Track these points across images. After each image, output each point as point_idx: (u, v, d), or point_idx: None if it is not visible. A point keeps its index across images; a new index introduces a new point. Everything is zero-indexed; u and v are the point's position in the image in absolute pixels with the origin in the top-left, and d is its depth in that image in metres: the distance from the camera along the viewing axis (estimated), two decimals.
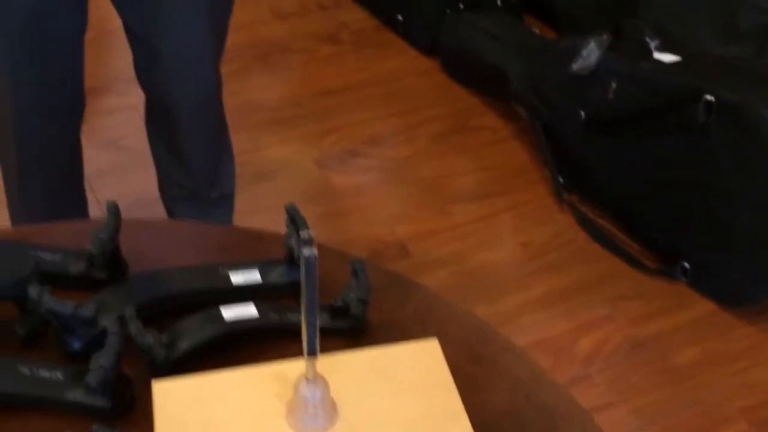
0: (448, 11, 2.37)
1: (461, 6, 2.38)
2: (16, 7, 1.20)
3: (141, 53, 1.39)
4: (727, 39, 1.92)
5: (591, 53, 1.83)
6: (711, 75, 1.67)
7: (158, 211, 1.64)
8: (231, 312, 0.80)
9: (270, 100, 2.25)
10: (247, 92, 2.25)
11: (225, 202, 1.59)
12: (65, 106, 1.39)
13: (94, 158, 1.79)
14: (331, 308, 0.82)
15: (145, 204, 1.75)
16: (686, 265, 1.76)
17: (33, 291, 0.74)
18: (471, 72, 2.27)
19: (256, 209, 1.83)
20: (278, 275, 0.86)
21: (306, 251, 0.61)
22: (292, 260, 0.86)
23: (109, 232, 0.82)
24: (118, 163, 1.96)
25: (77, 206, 1.56)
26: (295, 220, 0.83)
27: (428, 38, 2.39)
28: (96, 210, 1.71)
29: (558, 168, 1.96)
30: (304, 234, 0.62)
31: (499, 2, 2.42)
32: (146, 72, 1.42)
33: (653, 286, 1.79)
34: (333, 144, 2.11)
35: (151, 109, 1.53)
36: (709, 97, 1.61)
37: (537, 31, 2.32)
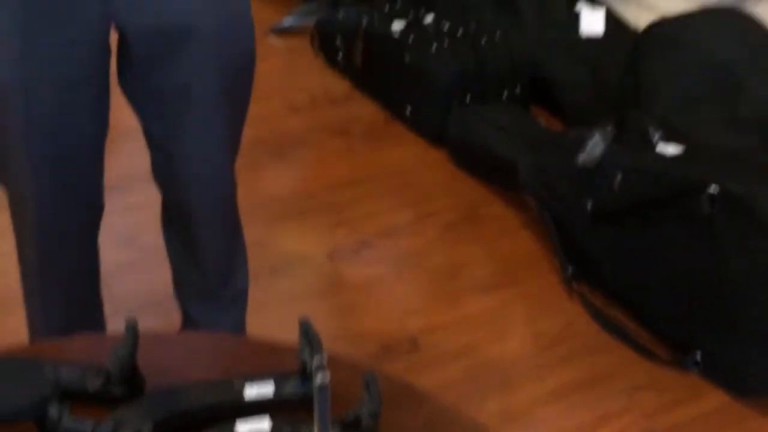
0: (455, 103, 2.43)
1: (468, 98, 2.44)
2: (40, 111, 1.25)
3: (158, 156, 1.43)
4: (729, 129, 1.95)
5: (596, 145, 1.87)
6: (715, 166, 1.71)
7: (172, 308, 1.67)
8: (245, 427, 0.82)
9: (283, 193, 2.30)
10: (260, 185, 2.29)
11: (239, 300, 1.61)
12: (85, 208, 1.42)
13: (109, 256, 1.82)
14: (343, 422, 0.83)
15: (159, 302, 1.77)
16: (698, 355, 1.76)
17: (53, 411, 0.76)
18: (479, 162, 2.31)
19: (269, 304, 1.86)
20: (292, 387, 0.87)
21: (318, 378, 0.63)
22: (305, 372, 0.87)
23: (127, 348, 0.85)
24: (133, 260, 2.00)
25: (93, 307, 1.58)
26: (308, 334, 0.85)
27: (437, 129, 2.44)
28: (110, 308, 1.73)
29: (567, 258, 1.98)
30: (316, 360, 0.64)
31: (505, 94, 2.47)
32: (163, 174, 1.46)
33: (667, 377, 1.79)
34: (345, 236, 2.14)
35: (167, 209, 1.56)
36: (713, 189, 1.64)
37: (543, 122, 2.37)
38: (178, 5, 1.23)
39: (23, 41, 1.19)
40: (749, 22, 2.11)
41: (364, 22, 2.67)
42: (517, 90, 2.50)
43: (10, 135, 1.28)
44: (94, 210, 1.45)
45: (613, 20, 2.66)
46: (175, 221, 1.54)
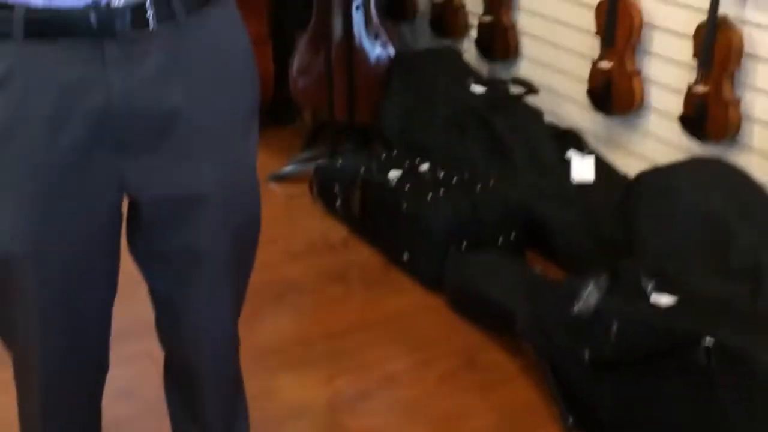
0: (451, 249, 2.48)
1: (464, 244, 2.49)
2: (50, 280, 1.28)
3: (163, 314, 1.45)
4: (720, 278, 2.00)
5: (591, 295, 1.91)
6: (709, 318, 1.74)
7: None
8: None
9: (282, 342, 2.31)
10: (259, 334, 2.31)
11: None
12: (91, 369, 1.44)
13: (108, 409, 1.81)
14: None
15: None
16: None
17: None
18: (477, 309, 2.34)
19: None
20: None
21: None
22: None
23: None
24: (133, 414, 1.99)
25: None
26: None
27: (434, 275, 2.48)
28: None
29: (567, 406, 1.98)
30: None
31: (500, 240, 2.53)
32: (167, 331, 1.48)
33: None
34: (345, 385, 2.14)
35: (170, 365, 1.57)
36: (708, 341, 1.66)
37: (538, 267, 2.41)
38: (189, 175, 1.28)
39: (39, 213, 1.23)
40: (734, 173, 2.19)
41: (362, 170, 2.75)
42: (512, 236, 2.55)
43: (18, 301, 1.31)
44: (100, 370, 1.46)
45: (602, 167, 2.75)
46: (178, 377, 1.56)
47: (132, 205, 1.34)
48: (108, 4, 1.16)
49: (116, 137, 1.23)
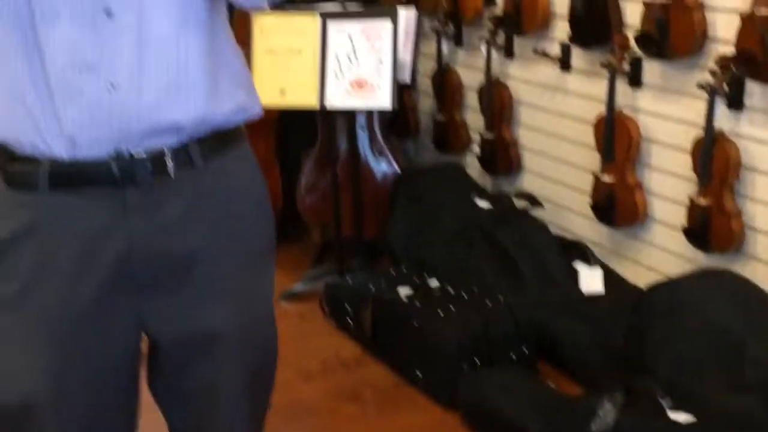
0: (464, 366, 2.48)
1: (477, 361, 2.49)
2: (70, 421, 1.28)
3: None
4: (734, 391, 1.99)
5: (607, 414, 1.91)
6: None
7: None
8: None
9: None
10: None
11: None
12: None
13: None
14: None
15: None
16: None
17: None
18: (492, 427, 2.32)
19: None
20: None
21: None
22: None
23: None
24: None
25: None
26: None
27: (448, 393, 2.47)
28: None
29: None
30: None
31: (513, 356, 2.53)
32: None
33: None
34: None
35: None
36: None
37: (552, 383, 2.41)
38: (207, 315, 1.31)
39: (60, 357, 1.24)
40: (742, 284, 2.21)
41: (372, 287, 2.78)
42: (524, 350, 2.56)
43: None
44: None
45: (611, 277, 2.77)
46: None
47: (151, 345, 1.36)
48: (130, 155, 1.21)
49: (136, 280, 1.26)
